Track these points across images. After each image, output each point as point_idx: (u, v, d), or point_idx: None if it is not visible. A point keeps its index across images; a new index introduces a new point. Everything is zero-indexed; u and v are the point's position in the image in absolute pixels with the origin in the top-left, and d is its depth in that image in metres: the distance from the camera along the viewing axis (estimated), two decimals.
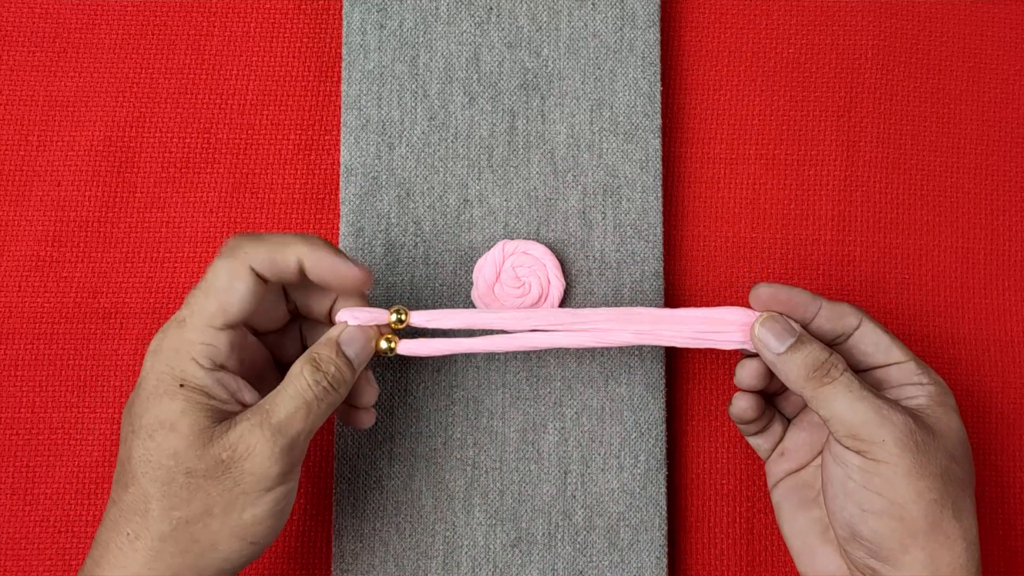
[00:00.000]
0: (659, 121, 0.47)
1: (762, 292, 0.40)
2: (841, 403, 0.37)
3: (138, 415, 0.35)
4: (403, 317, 0.39)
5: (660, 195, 0.46)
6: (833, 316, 0.40)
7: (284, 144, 0.49)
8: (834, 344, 0.40)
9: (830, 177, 0.49)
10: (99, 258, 0.48)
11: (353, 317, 0.39)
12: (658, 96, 0.47)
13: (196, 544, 0.35)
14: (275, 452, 0.35)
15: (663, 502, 0.44)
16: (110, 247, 0.48)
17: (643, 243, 0.46)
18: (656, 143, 0.46)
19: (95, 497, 0.46)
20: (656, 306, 0.45)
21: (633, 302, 0.45)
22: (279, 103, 0.49)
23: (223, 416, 0.35)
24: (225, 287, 0.36)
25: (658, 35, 0.47)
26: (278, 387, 0.36)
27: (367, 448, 0.44)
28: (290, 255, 0.37)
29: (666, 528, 0.44)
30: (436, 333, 0.43)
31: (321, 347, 0.38)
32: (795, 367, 0.38)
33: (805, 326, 0.40)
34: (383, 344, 0.39)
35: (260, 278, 0.37)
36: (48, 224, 0.48)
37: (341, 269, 0.37)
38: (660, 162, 0.46)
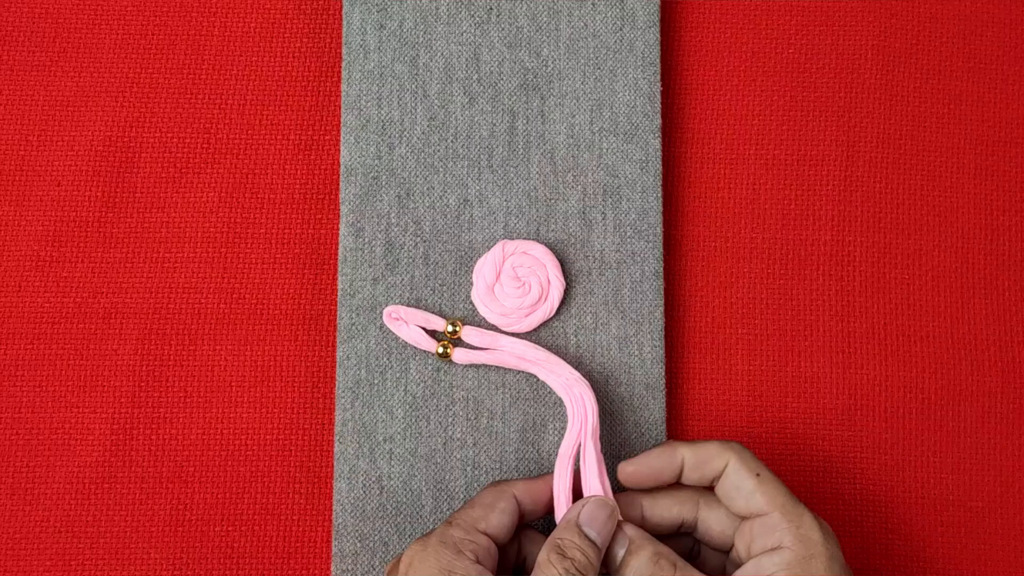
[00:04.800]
0: (659, 121, 0.47)
1: (627, 473, 0.40)
2: None
3: None
4: (457, 329, 0.44)
5: (660, 195, 0.46)
6: (698, 463, 0.39)
7: (284, 144, 0.49)
8: (712, 486, 0.40)
9: (830, 177, 0.49)
10: (99, 258, 0.48)
11: (403, 314, 0.44)
12: (658, 96, 0.47)
13: None
14: None
15: None
16: (110, 247, 0.48)
17: (643, 243, 0.46)
18: (656, 143, 0.46)
19: (95, 497, 0.46)
20: (656, 306, 0.45)
21: (633, 302, 0.45)
22: (279, 103, 0.49)
23: None
24: (489, 503, 0.39)
25: (658, 35, 0.47)
26: None
27: (367, 448, 0.44)
28: (542, 492, 0.40)
29: None
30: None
31: (563, 531, 0.38)
32: None
33: (679, 479, 0.40)
34: (439, 349, 0.44)
35: (518, 504, 0.39)
36: (48, 224, 0.48)
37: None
38: (660, 162, 0.46)
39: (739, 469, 0.38)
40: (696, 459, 0.39)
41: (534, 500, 0.40)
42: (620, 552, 0.39)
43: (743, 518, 0.39)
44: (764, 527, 0.38)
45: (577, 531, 0.38)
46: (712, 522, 0.40)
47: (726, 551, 0.40)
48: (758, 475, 0.38)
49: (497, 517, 0.39)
